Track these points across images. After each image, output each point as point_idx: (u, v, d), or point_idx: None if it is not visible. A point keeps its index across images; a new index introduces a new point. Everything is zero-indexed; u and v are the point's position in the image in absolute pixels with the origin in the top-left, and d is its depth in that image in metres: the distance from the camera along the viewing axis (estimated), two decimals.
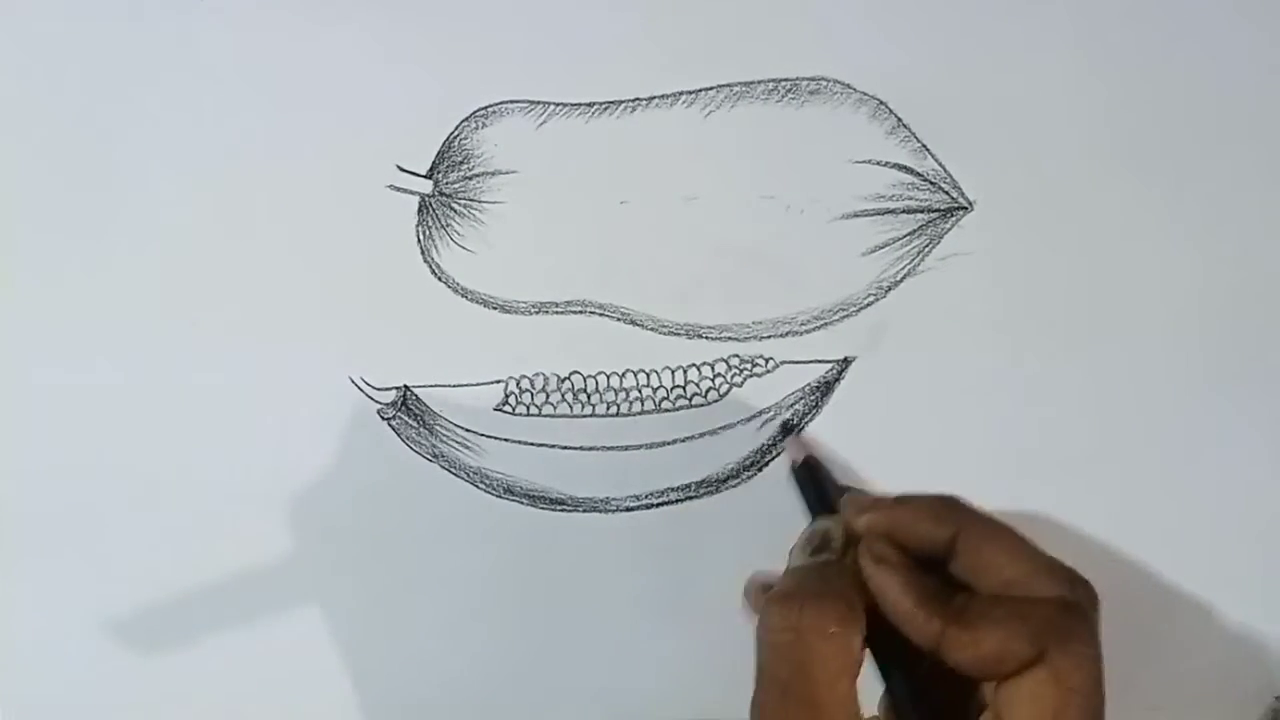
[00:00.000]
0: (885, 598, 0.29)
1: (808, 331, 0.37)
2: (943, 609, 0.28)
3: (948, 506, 0.31)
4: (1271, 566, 0.38)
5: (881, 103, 0.36)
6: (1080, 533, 0.38)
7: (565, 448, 0.38)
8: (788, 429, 0.37)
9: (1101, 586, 0.38)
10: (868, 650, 0.29)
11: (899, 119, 0.36)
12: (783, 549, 0.38)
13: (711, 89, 0.36)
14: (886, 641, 0.29)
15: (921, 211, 0.37)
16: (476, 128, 0.37)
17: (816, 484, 0.34)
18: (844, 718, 0.28)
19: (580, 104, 0.36)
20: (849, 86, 0.36)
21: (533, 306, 0.37)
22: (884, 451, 0.38)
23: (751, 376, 0.37)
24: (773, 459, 0.38)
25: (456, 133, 0.37)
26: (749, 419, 0.38)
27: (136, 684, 0.39)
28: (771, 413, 0.37)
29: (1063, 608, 0.28)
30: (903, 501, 0.32)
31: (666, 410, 0.38)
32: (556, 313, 0.37)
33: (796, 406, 0.37)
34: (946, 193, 0.37)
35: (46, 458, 0.38)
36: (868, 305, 0.37)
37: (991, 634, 0.27)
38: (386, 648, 0.39)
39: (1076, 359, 0.37)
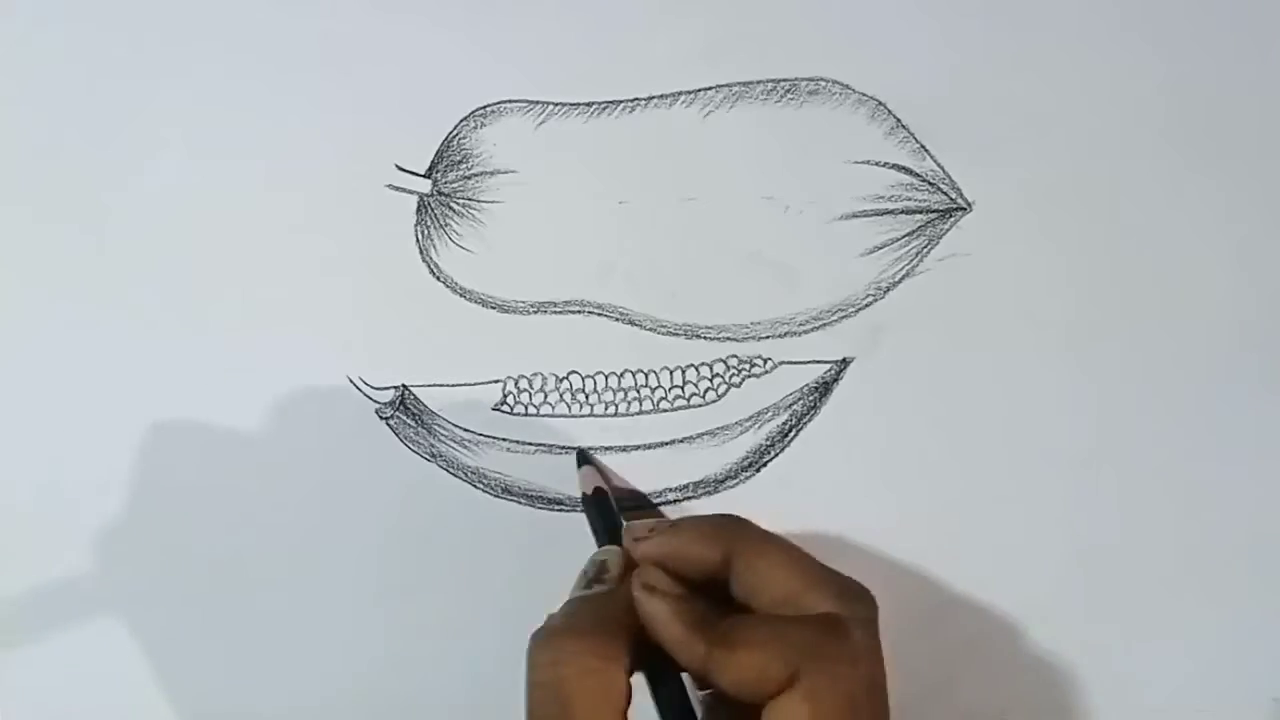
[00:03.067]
0: (654, 625, 0.29)
1: (806, 332, 0.37)
2: (708, 633, 0.28)
3: (721, 527, 0.32)
4: (1272, 566, 0.38)
5: (880, 103, 0.36)
6: (1079, 533, 0.38)
7: (564, 448, 0.38)
8: (582, 459, 0.37)
9: (1100, 586, 0.38)
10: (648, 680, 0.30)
11: (898, 120, 0.36)
12: None
13: (711, 89, 0.36)
14: (663, 669, 0.30)
15: (920, 212, 0.37)
16: (475, 127, 0.37)
17: (605, 514, 0.35)
18: None
19: (579, 104, 0.37)
20: (848, 87, 0.36)
21: (531, 306, 0.37)
22: (882, 452, 0.37)
23: (750, 377, 0.37)
24: (771, 460, 0.38)
25: (455, 132, 0.37)
26: (747, 420, 0.38)
27: (133, 683, 0.39)
28: (770, 413, 0.37)
29: (822, 625, 0.28)
30: (677, 526, 0.32)
31: (665, 410, 0.38)
32: (555, 313, 0.37)
33: (795, 407, 0.37)
34: (945, 193, 0.37)
35: (43, 457, 0.38)
36: (866, 306, 0.37)
37: (750, 656, 0.28)
38: (384, 647, 0.39)
39: (1076, 359, 0.37)
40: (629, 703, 0.28)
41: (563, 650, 0.28)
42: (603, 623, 0.29)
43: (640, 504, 0.38)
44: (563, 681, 0.28)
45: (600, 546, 0.34)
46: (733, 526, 0.32)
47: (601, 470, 0.37)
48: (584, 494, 0.36)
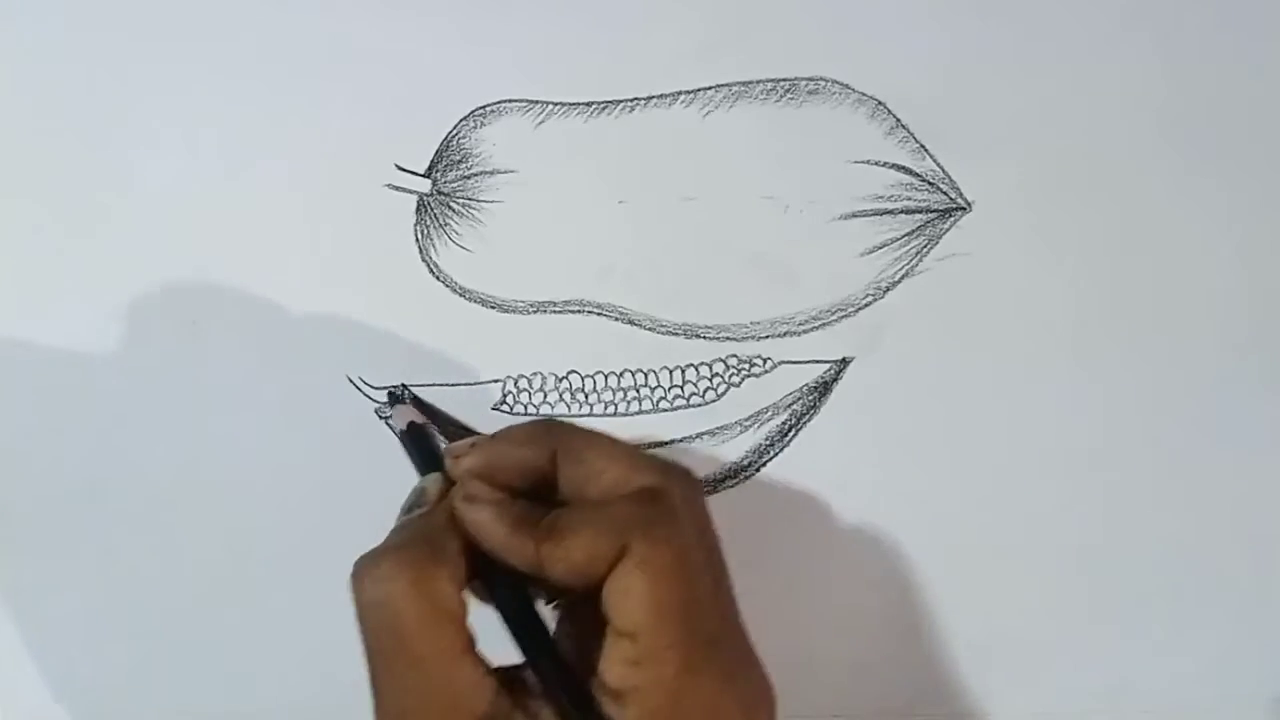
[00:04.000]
0: (480, 533, 0.29)
1: (806, 332, 0.37)
2: (534, 529, 0.28)
3: (541, 429, 0.31)
4: (1272, 566, 0.38)
5: (880, 103, 0.36)
6: (1079, 532, 0.38)
7: None
8: (394, 399, 0.36)
9: (1100, 586, 0.38)
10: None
11: (897, 119, 0.36)
12: (780, 550, 0.38)
13: (710, 89, 0.36)
14: (498, 579, 0.29)
15: (920, 212, 0.37)
16: (475, 127, 0.37)
17: (423, 447, 0.34)
18: (450, 665, 0.27)
19: (579, 104, 0.37)
20: (848, 87, 0.36)
21: (531, 306, 0.37)
22: (882, 452, 0.37)
23: (749, 377, 0.37)
24: (771, 460, 0.38)
25: (455, 132, 0.37)
26: (747, 420, 0.38)
27: (131, 685, 0.39)
28: (770, 413, 0.37)
29: (642, 497, 0.28)
30: (496, 435, 0.32)
31: (664, 410, 0.38)
32: (554, 312, 0.37)
33: (794, 407, 0.37)
34: (945, 193, 0.37)
35: (42, 457, 0.38)
36: (866, 305, 0.37)
37: (577, 540, 0.27)
38: None
39: (1076, 359, 0.37)
40: (465, 614, 0.28)
41: (385, 565, 0.28)
42: (425, 537, 0.29)
43: (471, 433, 0.37)
44: (391, 598, 0.27)
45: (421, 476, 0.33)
46: (552, 426, 0.31)
47: (425, 406, 0.36)
48: (400, 431, 0.35)
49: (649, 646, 0.27)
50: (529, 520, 0.29)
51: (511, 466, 0.30)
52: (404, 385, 0.37)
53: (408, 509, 0.31)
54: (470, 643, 0.28)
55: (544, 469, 0.31)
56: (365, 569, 0.28)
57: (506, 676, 0.29)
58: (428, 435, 0.35)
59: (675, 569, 0.27)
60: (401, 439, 0.35)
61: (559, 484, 0.31)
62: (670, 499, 0.29)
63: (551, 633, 0.30)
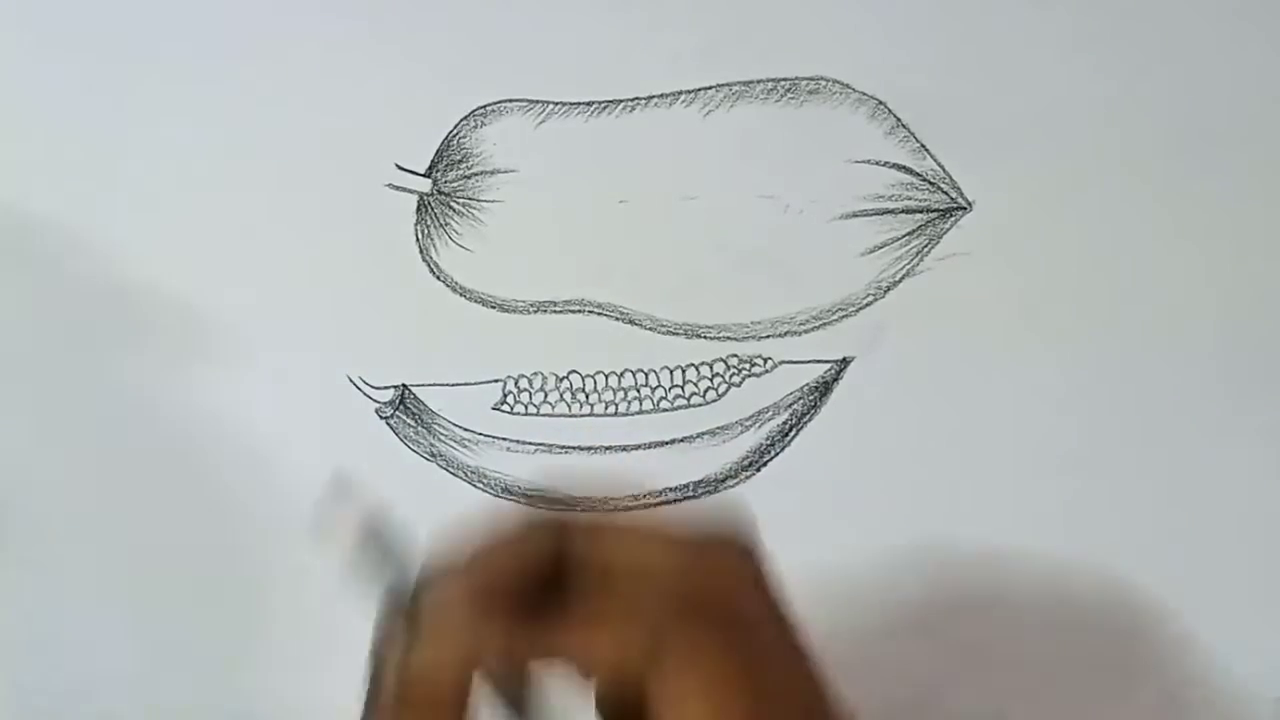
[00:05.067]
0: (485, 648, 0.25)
1: (806, 331, 0.37)
2: (545, 632, 0.24)
3: (539, 525, 0.25)
4: (1272, 566, 0.38)
5: (880, 103, 0.36)
6: (1078, 532, 0.38)
7: (563, 448, 0.38)
8: (339, 488, 0.27)
9: (1100, 587, 0.38)
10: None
11: (898, 119, 0.36)
12: (779, 550, 0.38)
13: (711, 89, 0.36)
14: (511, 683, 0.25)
15: (920, 211, 0.37)
16: (475, 126, 0.37)
17: (385, 555, 0.27)
18: None
19: (579, 103, 0.37)
20: (848, 86, 0.36)
21: (531, 306, 0.37)
22: (882, 452, 0.37)
23: (750, 377, 0.37)
24: (771, 460, 0.38)
25: (455, 131, 0.37)
26: (747, 420, 0.38)
27: (132, 684, 0.39)
28: (770, 413, 0.37)
29: (675, 591, 0.24)
30: (491, 541, 0.25)
31: (665, 410, 0.38)
32: (555, 312, 0.37)
33: (795, 407, 0.37)
34: (945, 193, 0.37)
35: (43, 457, 0.38)
36: (866, 305, 0.37)
37: (600, 638, 0.23)
38: None
39: (1076, 359, 0.37)
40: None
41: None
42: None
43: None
44: None
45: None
46: (549, 520, 0.25)
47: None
48: (356, 536, 0.28)
49: None
50: (538, 620, 0.24)
51: (515, 569, 0.25)
52: (404, 385, 0.37)
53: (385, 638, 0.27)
54: None
55: (550, 563, 0.25)
56: None
57: None
58: (387, 543, 0.28)
59: (732, 666, 0.23)
60: (358, 547, 0.28)
61: (574, 578, 0.25)
62: (712, 590, 0.24)
63: None
